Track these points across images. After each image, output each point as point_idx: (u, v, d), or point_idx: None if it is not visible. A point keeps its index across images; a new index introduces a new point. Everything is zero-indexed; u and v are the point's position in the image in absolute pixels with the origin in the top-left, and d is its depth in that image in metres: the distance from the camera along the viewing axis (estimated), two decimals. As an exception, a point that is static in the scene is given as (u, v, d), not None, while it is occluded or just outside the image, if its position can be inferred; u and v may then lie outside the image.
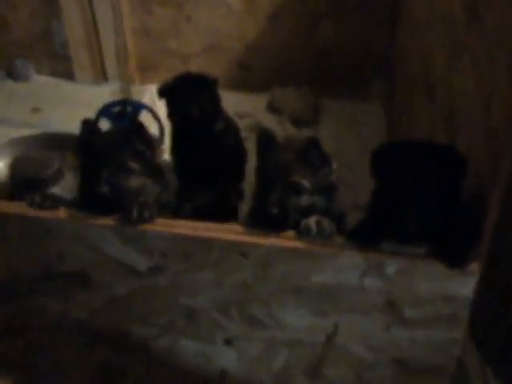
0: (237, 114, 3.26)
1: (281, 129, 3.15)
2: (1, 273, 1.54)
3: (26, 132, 2.74)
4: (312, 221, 1.44)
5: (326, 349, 1.56)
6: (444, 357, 1.53)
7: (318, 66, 3.28)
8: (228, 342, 1.60)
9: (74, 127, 2.95)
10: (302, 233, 1.44)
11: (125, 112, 2.47)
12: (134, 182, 1.53)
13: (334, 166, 1.53)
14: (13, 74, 3.29)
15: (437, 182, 1.34)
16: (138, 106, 2.49)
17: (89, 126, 1.71)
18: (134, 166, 1.54)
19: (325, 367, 1.59)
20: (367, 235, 1.43)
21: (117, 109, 2.49)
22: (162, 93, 1.93)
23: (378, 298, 1.46)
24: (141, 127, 1.66)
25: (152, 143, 1.70)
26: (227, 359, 1.63)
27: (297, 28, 3.21)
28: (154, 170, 1.60)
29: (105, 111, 2.47)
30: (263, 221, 1.45)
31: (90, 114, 3.08)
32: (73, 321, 1.61)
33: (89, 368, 1.70)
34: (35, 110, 3.08)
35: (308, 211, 1.47)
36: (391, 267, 1.41)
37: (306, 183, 1.48)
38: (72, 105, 3.17)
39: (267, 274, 1.48)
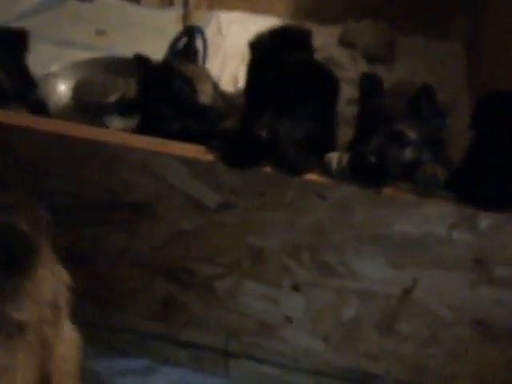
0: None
1: (353, 64, 2.98)
2: (67, 199, 1.48)
3: (90, 55, 2.67)
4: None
5: (402, 303, 1.45)
6: (530, 322, 1.41)
7: (398, -1, 3.05)
8: (296, 288, 1.51)
9: (138, 51, 2.87)
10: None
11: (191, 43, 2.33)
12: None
13: (448, 120, 1.37)
14: (78, -5, 3.18)
15: None
16: (194, 30, 2.33)
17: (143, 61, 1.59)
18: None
19: (398, 322, 1.49)
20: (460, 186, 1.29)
21: (184, 41, 2.35)
22: (254, 48, 1.72)
23: (466, 254, 1.33)
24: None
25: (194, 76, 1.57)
26: (293, 305, 1.54)
27: (378, -43, 2.97)
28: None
29: (173, 48, 2.33)
30: (360, 172, 1.29)
31: (154, 38, 2.99)
32: (136, 253, 1.54)
33: (149, 302, 1.65)
34: (99, 33, 2.98)
35: (412, 167, 1.31)
36: (485, 221, 1.27)
37: (411, 134, 1.31)
38: (136, 28, 3.07)
39: (345, 219, 1.36)
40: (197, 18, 3.03)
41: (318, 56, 2.96)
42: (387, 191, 1.30)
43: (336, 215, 1.36)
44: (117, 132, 1.39)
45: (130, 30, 3.06)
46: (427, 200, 1.29)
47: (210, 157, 1.35)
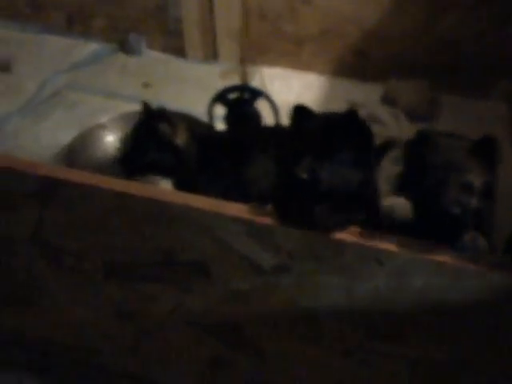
0: (349, 104, 3.13)
1: (395, 122, 3.00)
2: (120, 255, 1.49)
3: (137, 107, 2.73)
4: (469, 236, 1.31)
5: (457, 371, 1.42)
6: None
7: (441, 58, 3.07)
8: (348, 353, 1.48)
9: (182, 105, 2.94)
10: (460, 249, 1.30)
11: (242, 98, 2.37)
12: None
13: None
14: (125, 48, 3.28)
15: None
16: (256, 93, 2.38)
17: None
18: None
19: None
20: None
21: (234, 94, 2.40)
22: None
23: (530, 327, 1.30)
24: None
25: None
26: (346, 370, 1.51)
27: (421, 16, 3.00)
28: None
29: (221, 96, 2.38)
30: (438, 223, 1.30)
31: (199, 92, 3.06)
32: (186, 312, 1.54)
33: (198, 361, 1.64)
34: (146, 85, 3.06)
35: (475, 216, 1.32)
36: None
37: (478, 184, 1.31)
38: (181, 82, 3.15)
39: (402, 286, 1.34)
40: (242, 73, 3.10)
41: (361, 113, 3.02)
42: (449, 260, 1.28)
43: (393, 282, 1.34)
44: (178, 192, 1.40)
45: (175, 84, 3.14)
46: (488, 269, 1.27)
47: (267, 219, 1.36)
